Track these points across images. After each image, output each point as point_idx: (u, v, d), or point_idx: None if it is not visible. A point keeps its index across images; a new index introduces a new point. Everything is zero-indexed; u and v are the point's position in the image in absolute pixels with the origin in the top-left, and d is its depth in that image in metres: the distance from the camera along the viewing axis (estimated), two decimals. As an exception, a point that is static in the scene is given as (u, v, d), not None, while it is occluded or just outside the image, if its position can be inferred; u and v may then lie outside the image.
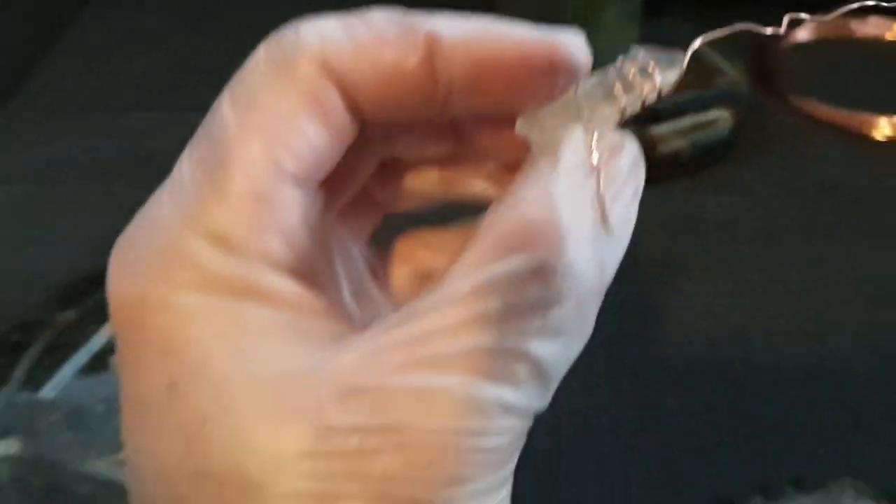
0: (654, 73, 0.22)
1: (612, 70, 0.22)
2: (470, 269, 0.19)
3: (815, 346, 0.52)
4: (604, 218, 0.20)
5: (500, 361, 0.19)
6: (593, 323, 0.20)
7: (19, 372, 0.48)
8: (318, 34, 0.20)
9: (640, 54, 0.22)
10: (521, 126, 0.22)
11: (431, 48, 0.20)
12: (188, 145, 0.21)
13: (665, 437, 0.46)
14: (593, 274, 0.20)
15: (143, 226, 0.20)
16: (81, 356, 0.49)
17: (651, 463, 0.45)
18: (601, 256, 0.20)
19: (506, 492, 0.20)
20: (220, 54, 0.79)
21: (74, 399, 0.46)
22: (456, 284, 0.19)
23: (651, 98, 0.22)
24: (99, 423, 0.45)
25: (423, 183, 0.27)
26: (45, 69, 0.78)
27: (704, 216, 0.61)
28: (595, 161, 0.20)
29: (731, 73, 0.69)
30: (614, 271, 0.21)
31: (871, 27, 0.79)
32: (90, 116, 0.72)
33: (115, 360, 0.20)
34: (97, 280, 0.51)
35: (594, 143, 0.20)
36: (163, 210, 0.20)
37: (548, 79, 0.21)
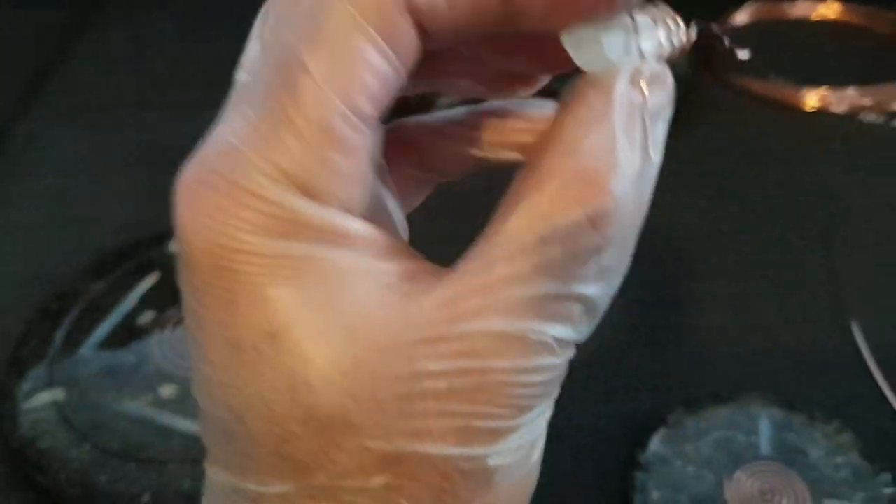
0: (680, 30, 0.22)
1: (653, 9, 0.22)
2: (535, 219, 0.20)
3: (734, 285, 0.60)
4: (647, 153, 0.21)
5: (562, 305, 0.20)
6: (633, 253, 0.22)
7: (60, 334, 0.54)
8: None
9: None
10: (567, 40, 0.21)
11: None
12: (243, 71, 0.21)
13: (605, 367, 0.54)
14: (637, 210, 0.21)
15: (219, 171, 0.20)
16: (112, 319, 0.55)
17: (587, 384, 0.53)
18: (643, 189, 0.21)
19: (551, 409, 0.22)
20: (228, 54, 0.85)
21: (108, 356, 0.53)
22: (523, 233, 0.20)
23: (675, 48, 0.22)
24: (130, 372, 0.52)
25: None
26: (65, 73, 0.83)
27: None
28: (645, 93, 0.21)
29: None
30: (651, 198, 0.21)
31: (800, 9, 0.87)
32: (109, 114, 0.77)
33: (191, 302, 0.21)
34: (122, 255, 0.60)
35: (644, 74, 0.21)
36: (240, 155, 0.20)
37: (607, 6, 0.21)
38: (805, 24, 0.88)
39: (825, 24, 0.88)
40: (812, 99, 0.77)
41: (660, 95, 0.21)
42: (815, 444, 0.47)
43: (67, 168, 0.72)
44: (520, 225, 0.20)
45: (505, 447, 0.21)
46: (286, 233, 0.19)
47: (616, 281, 0.21)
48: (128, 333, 0.55)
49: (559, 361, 0.21)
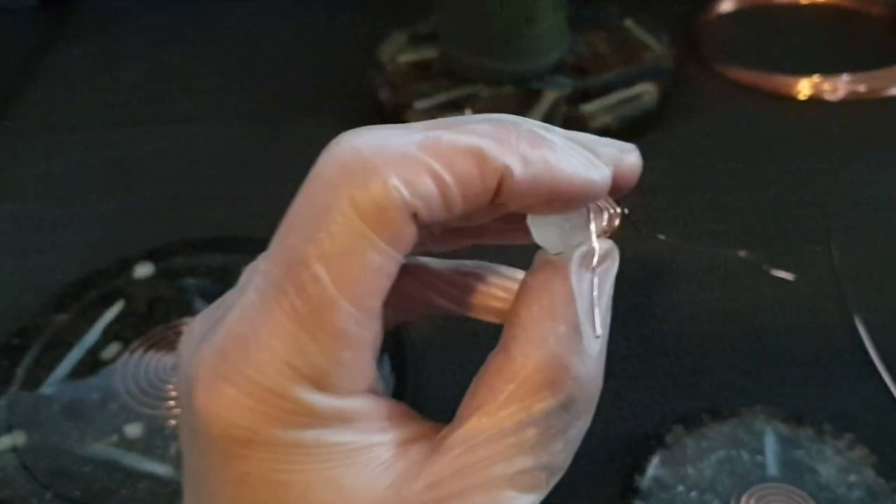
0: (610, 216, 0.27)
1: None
2: (513, 407, 0.23)
3: (730, 288, 0.57)
4: (601, 330, 0.25)
5: (533, 475, 0.24)
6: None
7: (21, 371, 0.52)
8: (406, 186, 0.21)
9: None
10: (533, 224, 0.26)
11: (502, 181, 0.22)
12: (271, 277, 0.22)
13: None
14: (598, 382, 0.25)
15: (244, 370, 0.22)
16: (75, 353, 0.53)
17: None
18: (601, 361, 0.25)
19: None
20: (198, 68, 0.83)
21: (71, 392, 0.50)
22: (503, 420, 0.23)
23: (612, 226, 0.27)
24: (94, 411, 0.49)
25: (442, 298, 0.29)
26: (30, 92, 0.80)
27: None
28: (595, 273, 0.25)
29: (657, 49, 0.73)
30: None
31: (788, -7, 0.84)
32: (74, 134, 0.74)
33: (201, 468, 0.23)
34: (86, 285, 0.57)
35: (595, 257, 0.25)
36: (265, 359, 0.21)
37: (581, 203, 0.25)
38: (794, 9, 0.84)
39: (815, 9, 0.85)
40: (805, 87, 0.74)
41: (609, 268, 0.26)
42: (826, 462, 0.44)
43: (29, 193, 0.69)
44: (499, 411, 0.23)
45: None
46: (300, 424, 0.22)
47: (578, 443, 0.25)
48: (91, 368, 0.52)
49: None
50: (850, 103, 0.73)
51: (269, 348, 0.21)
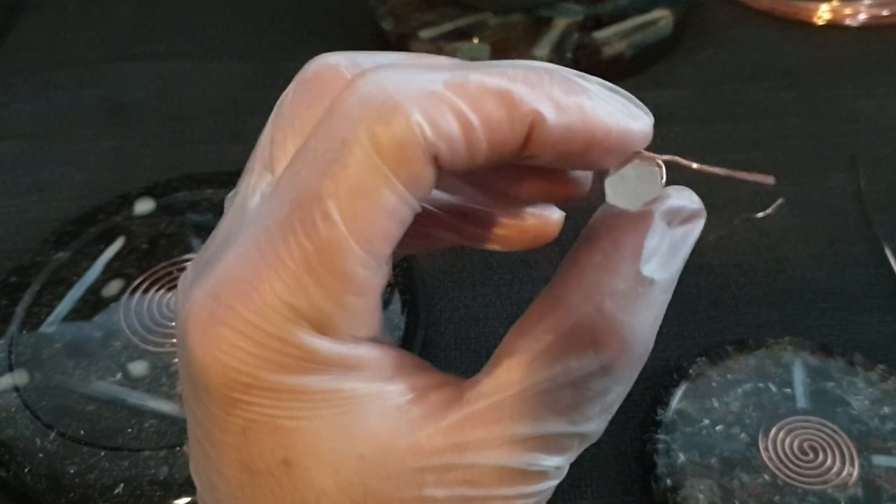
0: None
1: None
2: (549, 360, 0.21)
3: (752, 219, 0.55)
4: (668, 295, 0.23)
5: (563, 441, 0.22)
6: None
7: (20, 310, 0.50)
8: (429, 123, 0.20)
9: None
10: (611, 181, 0.23)
11: (532, 128, 0.20)
12: (277, 213, 0.21)
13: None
14: (647, 351, 0.23)
15: (244, 311, 0.20)
16: (76, 292, 0.51)
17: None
18: (655, 330, 0.23)
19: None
20: (197, 2, 0.81)
21: (73, 331, 0.49)
22: (535, 374, 0.21)
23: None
24: (97, 349, 0.47)
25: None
26: (22, 28, 0.78)
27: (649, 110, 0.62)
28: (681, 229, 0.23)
29: (672, -27, 0.71)
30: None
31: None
32: (72, 69, 0.73)
33: (202, 419, 0.22)
34: (85, 221, 0.55)
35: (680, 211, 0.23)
36: (267, 300, 0.20)
37: (619, 156, 0.22)
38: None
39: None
40: (823, 12, 0.71)
41: (692, 229, 0.24)
42: (858, 394, 0.42)
43: (24, 131, 0.67)
44: (533, 363, 0.21)
45: None
46: (302, 369, 0.21)
47: (615, 409, 0.23)
48: (93, 306, 0.51)
49: (554, 483, 0.23)
50: (871, 28, 0.71)
51: (271, 289, 0.20)
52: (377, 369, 0.22)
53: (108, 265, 0.53)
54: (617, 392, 0.22)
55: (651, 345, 0.22)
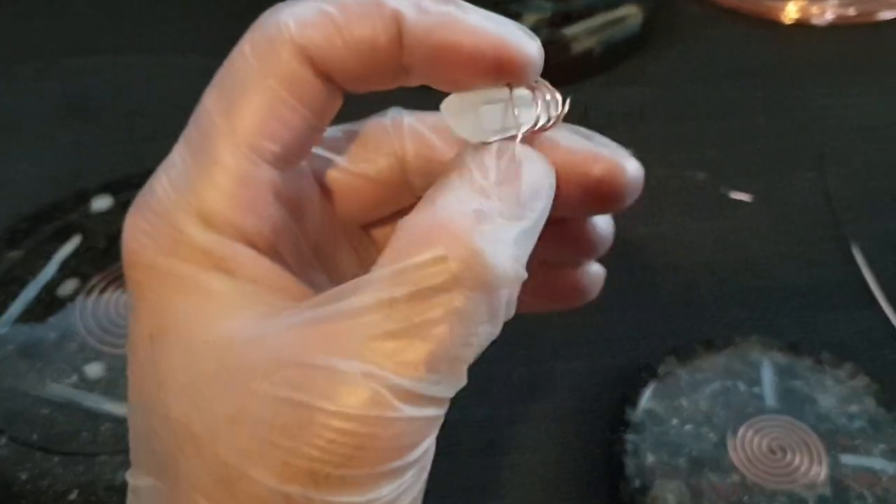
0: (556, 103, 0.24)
1: (539, 84, 0.24)
2: (385, 262, 0.21)
3: (722, 219, 0.55)
4: (516, 213, 0.22)
5: (404, 348, 0.20)
6: (502, 314, 0.21)
7: None
8: (295, 20, 0.22)
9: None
10: (448, 107, 0.23)
11: (399, 27, 0.22)
12: (186, 128, 0.23)
13: (584, 314, 0.49)
14: (498, 265, 0.20)
15: (148, 200, 0.23)
16: (29, 291, 0.50)
17: (574, 336, 0.48)
18: (505, 248, 0.21)
19: (411, 477, 0.21)
20: None
21: (26, 332, 0.48)
22: (371, 276, 0.21)
23: (541, 122, 0.24)
24: (51, 350, 0.46)
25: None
26: None
27: (618, 107, 0.62)
28: (496, 172, 0.22)
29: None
30: (523, 262, 0.22)
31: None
32: (28, 63, 0.71)
33: None
34: (39, 219, 0.53)
35: (501, 153, 0.22)
36: (164, 188, 0.22)
37: (497, 73, 0.22)
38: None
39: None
40: (791, 11, 0.71)
41: (533, 167, 0.23)
42: (826, 392, 0.42)
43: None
44: (382, 277, 0.21)
45: (333, 499, 0.20)
46: (178, 253, 0.22)
47: (474, 336, 0.21)
48: (47, 306, 0.49)
49: (397, 417, 0.20)
50: (839, 28, 0.71)
51: (167, 177, 0.23)
52: (253, 278, 0.23)
53: (64, 264, 0.51)
54: (463, 300, 0.20)
55: (509, 279, 0.21)
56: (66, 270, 0.51)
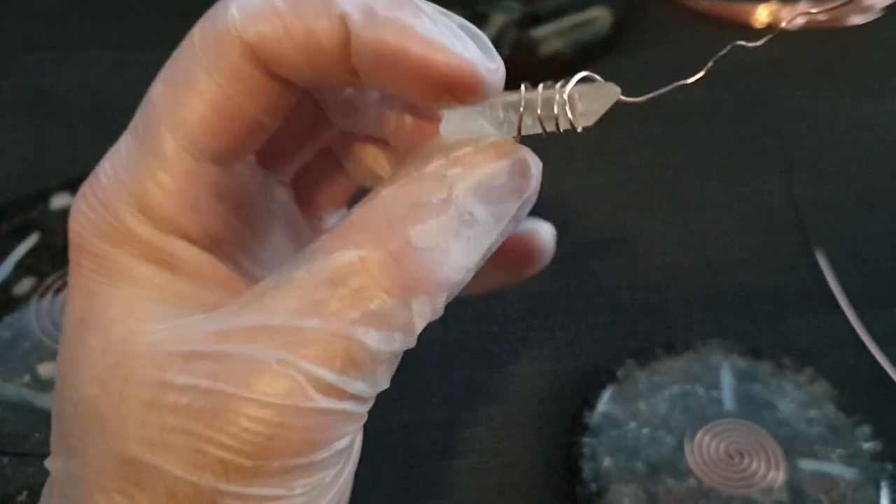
0: (576, 104, 0.23)
1: (534, 92, 0.23)
2: (314, 255, 0.20)
3: (687, 222, 0.54)
4: (463, 220, 0.21)
5: (325, 343, 0.20)
6: (422, 319, 0.21)
7: None
8: (242, 12, 0.21)
9: (569, 84, 0.23)
10: (448, 117, 0.23)
11: (346, 29, 0.20)
12: (135, 117, 0.23)
13: (547, 317, 0.49)
14: (433, 265, 0.20)
15: (94, 186, 0.23)
16: None
17: (535, 339, 0.47)
18: (447, 253, 0.21)
19: (328, 477, 0.21)
20: None
21: None
22: (295, 272, 0.20)
23: (563, 125, 0.23)
24: (4, 350, 0.45)
25: (372, 160, 0.28)
26: None
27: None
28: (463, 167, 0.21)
29: (611, -28, 0.70)
30: (473, 265, 0.21)
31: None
32: None
33: None
34: (-2, 216, 0.52)
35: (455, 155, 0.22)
36: (107, 177, 0.23)
37: (446, 92, 0.21)
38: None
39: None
40: (761, 15, 0.71)
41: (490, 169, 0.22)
42: (786, 397, 0.41)
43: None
44: (302, 258, 0.21)
45: (243, 491, 0.19)
46: (114, 241, 0.22)
47: (397, 337, 0.20)
48: (2, 305, 0.48)
49: (312, 408, 0.20)
50: (809, 32, 0.71)
51: (111, 165, 0.23)
52: (190, 274, 0.23)
53: (20, 262, 0.50)
54: (385, 304, 0.20)
55: (444, 265, 0.21)
56: (22, 269, 0.50)
